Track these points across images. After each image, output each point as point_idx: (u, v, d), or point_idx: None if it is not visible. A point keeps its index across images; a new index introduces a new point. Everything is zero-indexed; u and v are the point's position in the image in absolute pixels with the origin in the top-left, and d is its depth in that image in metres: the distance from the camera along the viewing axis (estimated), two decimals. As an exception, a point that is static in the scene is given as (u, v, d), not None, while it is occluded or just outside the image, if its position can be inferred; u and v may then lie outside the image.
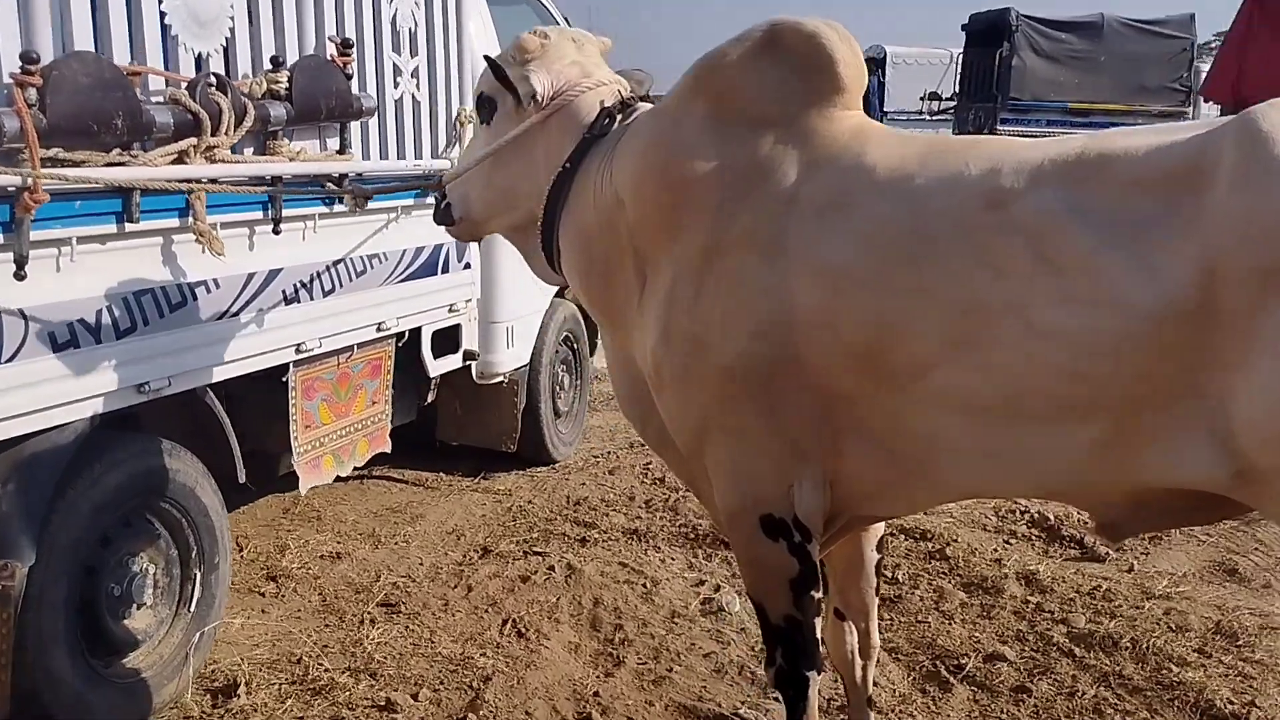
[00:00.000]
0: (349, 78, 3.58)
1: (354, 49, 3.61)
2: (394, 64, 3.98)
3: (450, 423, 5.14)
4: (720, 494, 2.46)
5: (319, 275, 3.64)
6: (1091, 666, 3.44)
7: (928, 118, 24.74)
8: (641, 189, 2.45)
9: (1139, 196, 1.90)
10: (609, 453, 5.69)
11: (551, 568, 4.19)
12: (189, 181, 2.90)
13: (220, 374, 3.28)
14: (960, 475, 2.26)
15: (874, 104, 25.05)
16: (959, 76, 21.95)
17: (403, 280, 4.09)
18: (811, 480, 2.34)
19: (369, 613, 3.87)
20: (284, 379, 3.62)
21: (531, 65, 2.68)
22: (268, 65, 3.32)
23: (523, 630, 3.74)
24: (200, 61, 3.13)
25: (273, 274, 3.42)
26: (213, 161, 3.05)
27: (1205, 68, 21.24)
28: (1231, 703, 3.19)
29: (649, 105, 2.70)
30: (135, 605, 3.14)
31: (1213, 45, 24.09)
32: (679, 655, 3.58)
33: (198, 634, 3.33)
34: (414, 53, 4.09)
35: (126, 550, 3.11)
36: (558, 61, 2.71)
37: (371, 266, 3.91)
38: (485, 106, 2.81)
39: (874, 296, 2.12)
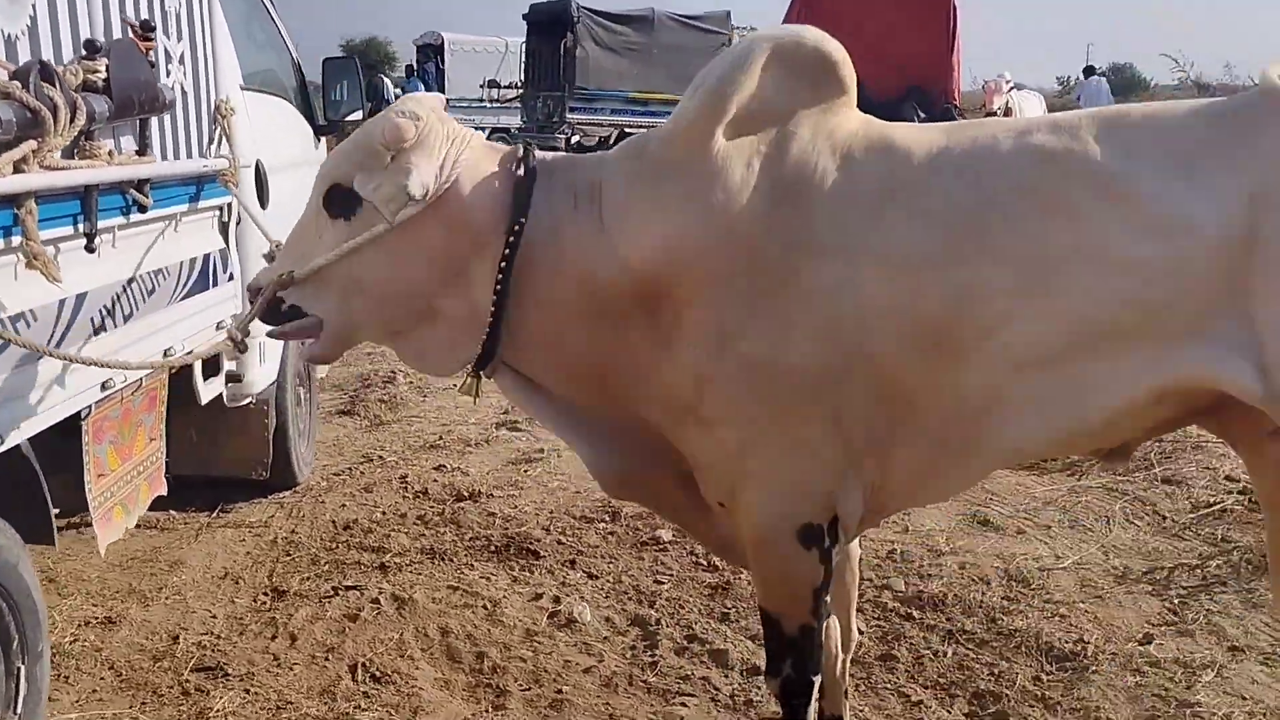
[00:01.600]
0: (153, 65, 3.07)
1: (155, 33, 3.09)
2: (165, 49, 3.44)
3: (188, 454, 4.53)
4: (757, 509, 2.40)
5: (118, 298, 3.09)
6: (935, 627, 3.73)
7: (488, 105, 25.07)
8: (681, 250, 2.29)
9: (1183, 140, 2.13)
10: (350, 469, 5.31)
11: (376, 601, 3.86)
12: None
13: (38, 424, 2.71)
14: (1012, 436, 2.36)
15: (433, 90, 25.08)
16: (524, 65, 22.40)
17: (184, 297, 3.57)
18: (855, 482, 2.36)
19: (188, 681, 3.37)
20: (80, 423, 3.04)
21: (413, 155, 2.34)
22: (76, 51, 2.76)
23: (378, 674, 3.43)
24: (9, 45, 2.55)
25: (80, 300, 2.86)
26: (46, 168, 2.51)
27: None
28: (1066, 642, 3.58)
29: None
30: (-39, 719, 2.53)
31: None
32: (559, 675, 3.44)
33: (28, 741, 2.74)
34: (180, 36, 3.56)
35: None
36: (434, 138, 2.38)
37: (159, 284, 3.37)
38: (342, 200, 2.41)
39: (944, 268, 2.19)
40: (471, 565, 4.20)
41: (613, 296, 2.36)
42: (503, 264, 2.36)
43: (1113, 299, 2.12)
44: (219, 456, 4.58)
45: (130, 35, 3.02)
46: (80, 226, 2.83)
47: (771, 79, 2.30)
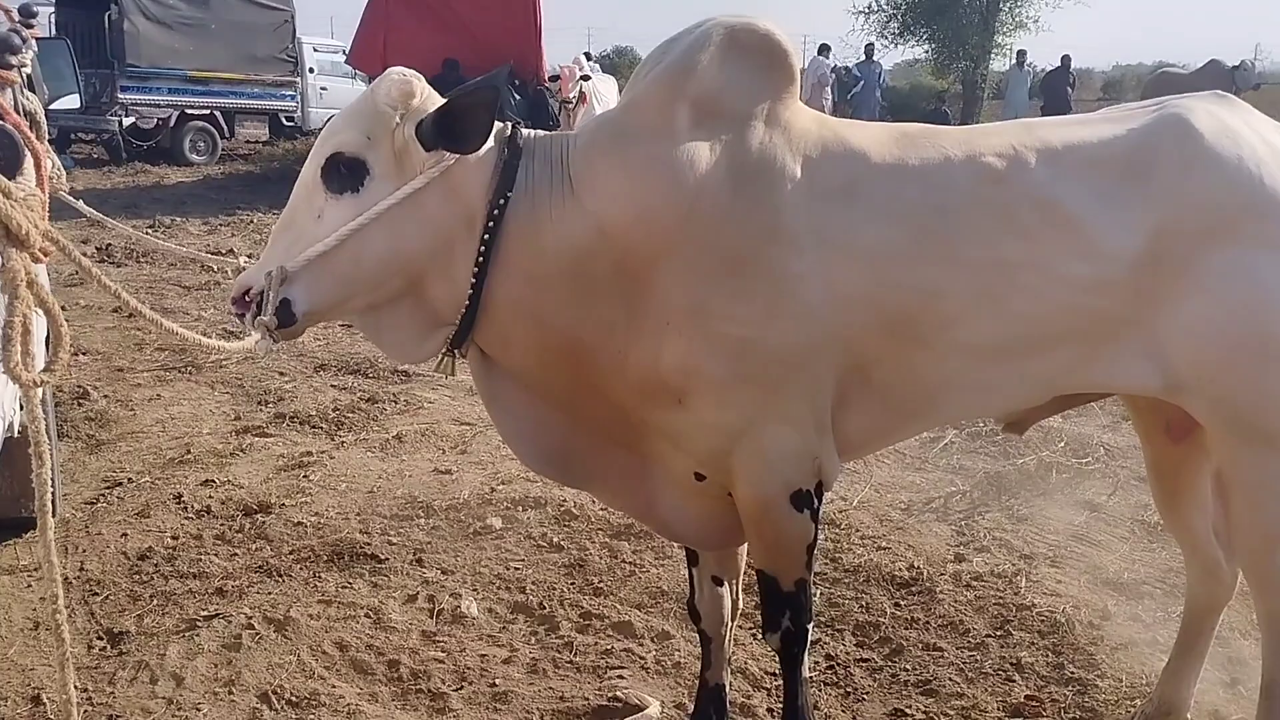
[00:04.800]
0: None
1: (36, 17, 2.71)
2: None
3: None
4: (754, 483, 2.56)
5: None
6: (785, 572, 4.10)
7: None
8: (647, 210, 2.40)
9: (1105, 176, 2.49)
10: (104, 495, 4.75)
11: (250, 626, 3.60)
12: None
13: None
14: (952, 411, 2.75)
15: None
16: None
17: None
18: (830, 446, 2.58)
19: (88, 744, 3.02)
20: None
21: (424, 110, 2.39)
22: (-7, 36, 2.39)
23: (295, 699, 3.25)
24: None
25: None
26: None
27: (309, 39, 22.53)
28: (901, 570, 4.10)
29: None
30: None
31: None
32: (484, 669, 3.44)
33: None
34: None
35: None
36: (436, 99, 2.44)
37: None
38: (347, 172, 2.36)
39: (909, 267, 2.44)
40: (319, 576, 4.02)
41: (588, 265, 2.41)
42: (485, 237, 2.40)
43: (1051, 308, 2.48)
44: (-13, 495, 4.01)
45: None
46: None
47: (727, 64, 2.45)
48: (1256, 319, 2.42)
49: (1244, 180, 2.44)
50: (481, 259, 2.40)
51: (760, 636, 2.86)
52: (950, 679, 3.40)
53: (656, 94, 2.46)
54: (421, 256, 2.42)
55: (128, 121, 19.15)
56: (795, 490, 2.55)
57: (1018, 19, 25.82)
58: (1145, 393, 2.62)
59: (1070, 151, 2.52)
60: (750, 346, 2.41)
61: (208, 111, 19.90)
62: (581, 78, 17.32)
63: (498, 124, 2.51)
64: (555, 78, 17.88)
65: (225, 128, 20.34)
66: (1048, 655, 3.52)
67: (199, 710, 3.19)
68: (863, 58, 22.94)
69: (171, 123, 19.50)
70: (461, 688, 3.35)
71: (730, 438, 2.50)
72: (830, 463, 2.58)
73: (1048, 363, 2.55)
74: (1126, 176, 2.48)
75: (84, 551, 4.23)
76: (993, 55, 25.85)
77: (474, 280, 2.41)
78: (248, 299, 2.40)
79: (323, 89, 21.94)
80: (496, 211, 2.39)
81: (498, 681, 3.38)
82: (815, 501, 2.60)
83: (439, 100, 2.43)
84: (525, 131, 2.54)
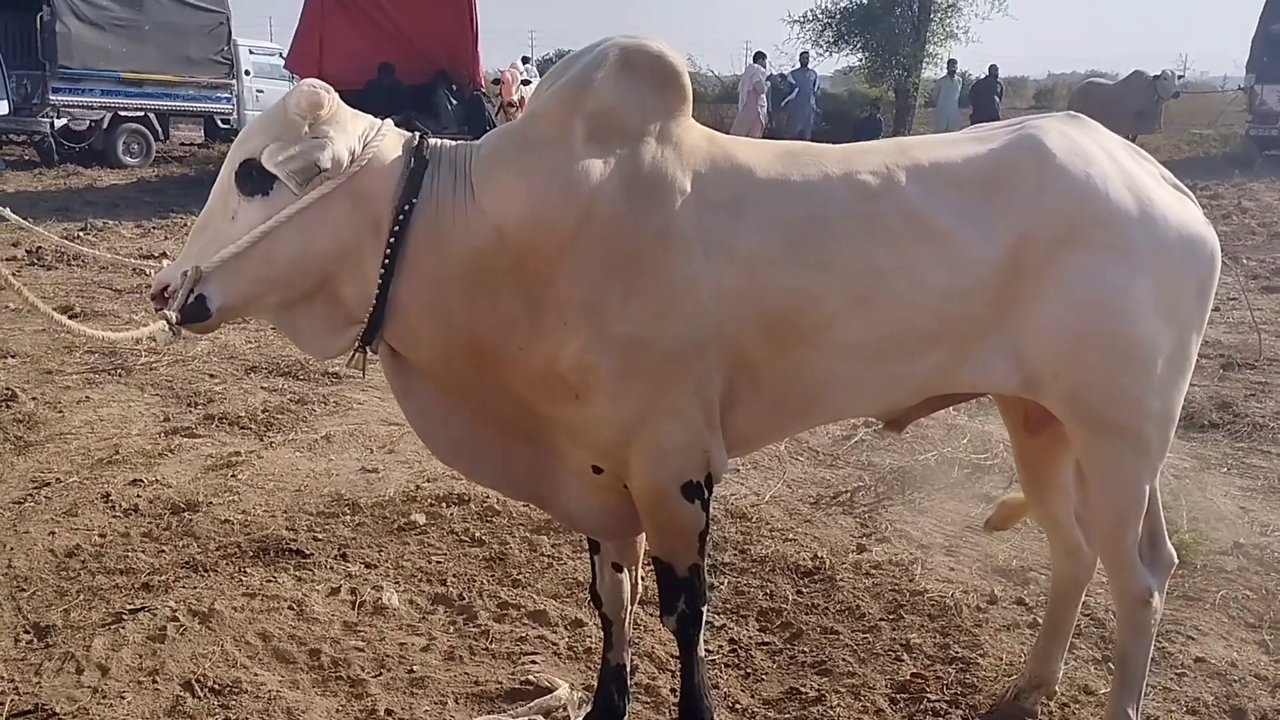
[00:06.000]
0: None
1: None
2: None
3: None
4: (647, 475, 2.72)
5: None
6: (696, 563, 4.29)
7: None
8: (543, 215, 2.56)
9: (969, 192, 2.71)
10: (31, 495, 4.82)
11: (175, 619, 3.72)
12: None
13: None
14: (834, 409, 2.95)
15: None
16: (-13, 39, 19.93)
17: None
18: (719, 440, 2.78)
19: (14, 731, 3.13)
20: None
21: (329, 126, 2.54)
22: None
23: (217, 688, 3.38)
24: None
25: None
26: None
27: (245, 42, 22.46)
28: (805, 559, 4.31)
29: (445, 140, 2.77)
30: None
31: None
32: (402, 657, 3.60)
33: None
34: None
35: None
36: (346, 114, 2.61)
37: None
38: (258, 177, 2.50)
39: (788, 272, 2.63)
40: (245, 571, 4.14)
41: (488, 266, 2.58)
42: (391, 240, 2.56)
43: (921, 312, 2.68)
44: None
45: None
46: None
47: (621, 82, 2.62)
48: (1103, 317, 2.66)
49: (1092, 194, 2.68)
50: (388, 261, 2.57)
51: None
52: (844, 659, 3.61)
53: (555, 108, 2.63)
54: (330, 257, 2.58)
55: (60, 123, 18.95)
56: (686, 482, 2.73)
57: (948, 29, 26.38)
58: (1009, 391, 2.85)
59: (937, 170, 2.73)
60: (642, 344, 2.58)
61: (141, 113, 19.77)
62: (523, 82, 17.49)
63: (405, 134, 2.69)
64: (496, 81, 18.05)
65: (159, 130, 20.24)
66: (935, 636, 3.75)
67: (123, 698, 3.31)
68: (798, 65, 23.29)
69: (104, 124, 19.36)
70: (380, 674, 3.50)
71: (624, 432, 2.68)
72: (719, 456, 2.76)
73: (921, 364, 2.76)
74: (988, 192, 2.71)
75: (11, 549, 4.31)
76: (925, 64, 26.35)
77: (381, 281, 2.58)
78: (166, 295, 2.56)
79: (259, 91, 21.85)
80: (402, 216, 2.56)
81: (415, 668, 3.53)
82: (705, 492, 2.78)
83: (347, 111, 2.60)
84: (432, 141, 2.71)
